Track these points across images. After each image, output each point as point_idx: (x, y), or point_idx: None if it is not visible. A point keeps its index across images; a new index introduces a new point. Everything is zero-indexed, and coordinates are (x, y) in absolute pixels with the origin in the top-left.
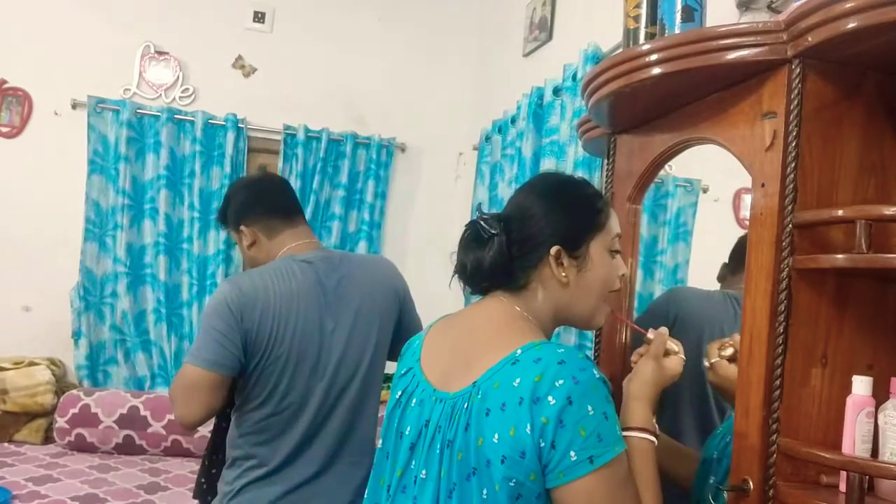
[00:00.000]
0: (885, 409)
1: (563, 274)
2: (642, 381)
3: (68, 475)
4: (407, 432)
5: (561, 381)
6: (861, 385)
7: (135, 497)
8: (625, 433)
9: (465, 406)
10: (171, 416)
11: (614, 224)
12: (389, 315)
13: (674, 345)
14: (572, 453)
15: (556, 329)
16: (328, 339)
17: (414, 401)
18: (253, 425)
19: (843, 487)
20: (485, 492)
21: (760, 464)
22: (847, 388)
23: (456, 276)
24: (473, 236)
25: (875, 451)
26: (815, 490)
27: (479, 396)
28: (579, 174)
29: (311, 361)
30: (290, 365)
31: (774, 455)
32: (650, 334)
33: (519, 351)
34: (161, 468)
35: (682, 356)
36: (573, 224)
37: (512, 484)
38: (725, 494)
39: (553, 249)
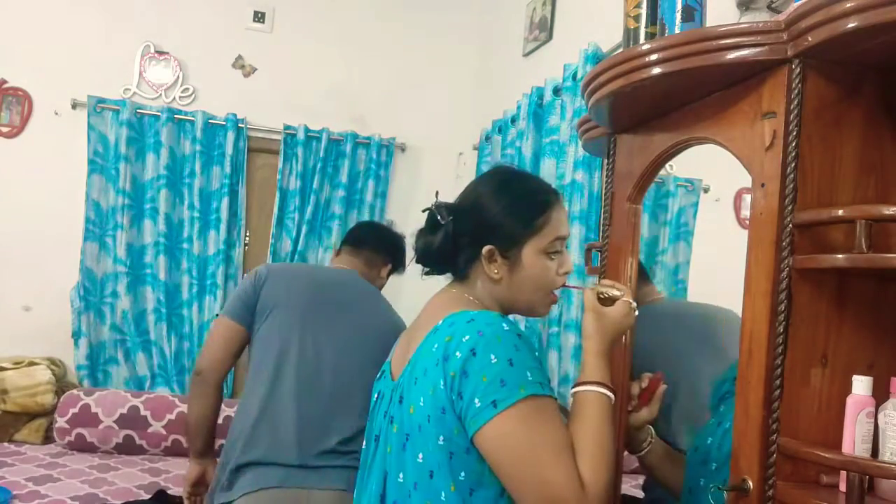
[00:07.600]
0: (885, 409)
1: (495, 271)
2: (587, 336)
3: (68, 475)
4: (374, 425)
5: (467, 337)
6: (861, 385)
7: (135, 497)
8: (578, 388)
9: (403, 382)
10: (171, 416)
11: (555, 228)
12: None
13: (616, 290)
14: (476, 400)
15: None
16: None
17: (380, 395)
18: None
19: (843, 487)
20: (420, 456)
21: (760, 463)
22: (847, 388)
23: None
24: (429, 222)
25: (875, 451)
26: (815, 490)
27: (409, 369)
28: (579, 174)
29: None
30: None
31: (774, 455)
32: (586, 291)
33: (441, 321)
34: (161, 468)
35: (628, 299)
36: (508, 227)
37: (441, 442)
38: (725, 494)
39: (485, 249)
